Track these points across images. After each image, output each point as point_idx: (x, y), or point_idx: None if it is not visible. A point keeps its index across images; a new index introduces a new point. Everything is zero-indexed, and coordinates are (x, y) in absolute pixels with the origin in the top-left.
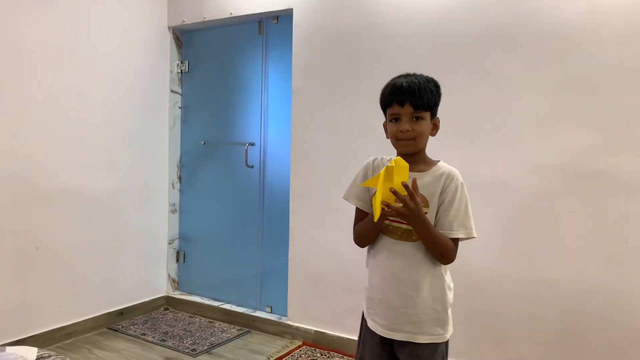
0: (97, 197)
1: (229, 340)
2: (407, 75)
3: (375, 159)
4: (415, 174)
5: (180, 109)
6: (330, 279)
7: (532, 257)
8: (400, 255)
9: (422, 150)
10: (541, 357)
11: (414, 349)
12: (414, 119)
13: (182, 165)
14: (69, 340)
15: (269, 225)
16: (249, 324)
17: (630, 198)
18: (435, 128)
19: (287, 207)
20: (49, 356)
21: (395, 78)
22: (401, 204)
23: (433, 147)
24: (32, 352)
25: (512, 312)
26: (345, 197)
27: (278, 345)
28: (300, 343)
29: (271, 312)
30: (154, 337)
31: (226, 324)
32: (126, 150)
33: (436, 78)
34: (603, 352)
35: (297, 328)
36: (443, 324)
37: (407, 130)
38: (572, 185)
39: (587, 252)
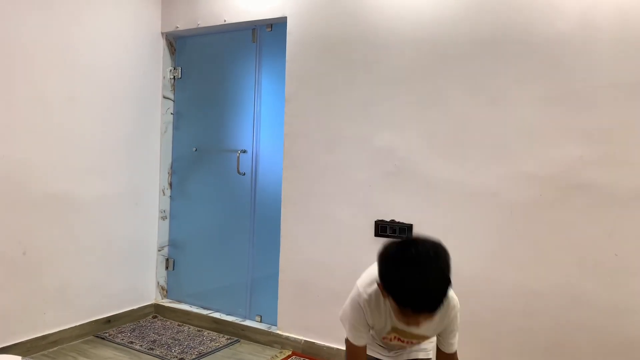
0: (87, 202)
1: (218, 349)
2: (419, 269)
3: (368, 303)
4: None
5: (172, 115)
6: (321, 288)
7: (522, 268)
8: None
9: None
10: None
11: None
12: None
13: (173, 171)
14: (55, 348)
15: (259, 233)
16: (238, 333)
17: (620, 210)
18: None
19: (279, 215)
20: None
21: (405, 270)
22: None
23: (423, 156)
24: None
25: (503, 322)
26: (357, 343)
27: (267, 355)
28: (290, 353)
29: (261, 322)
30: (141, 346)
31: (215, 333)
32: (117, 156)
33: (426, 88)
34: None
35: (287, 338)
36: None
37: (416, 338)
38: (562, 196)
39: (576, 264)
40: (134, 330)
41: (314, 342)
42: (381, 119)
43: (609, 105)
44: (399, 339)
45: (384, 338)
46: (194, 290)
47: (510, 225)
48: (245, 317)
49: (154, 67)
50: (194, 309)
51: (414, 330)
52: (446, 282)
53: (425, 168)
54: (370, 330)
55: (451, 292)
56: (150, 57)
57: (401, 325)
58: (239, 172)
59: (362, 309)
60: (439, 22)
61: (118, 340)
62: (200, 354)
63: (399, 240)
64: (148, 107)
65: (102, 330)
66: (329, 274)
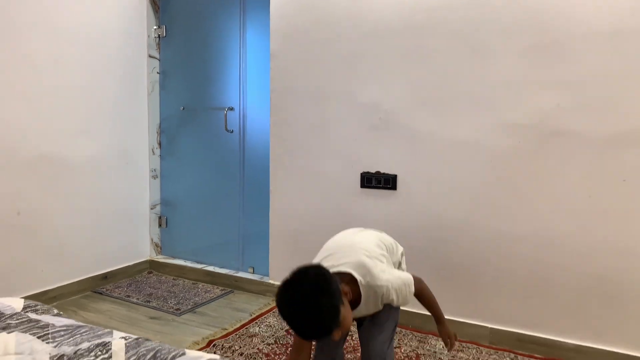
0: (77, 163)
1: (213, 299)
2: (300, 316)
3: None
4: (354, 312)
5: (158, 75)
6: (310, 239)
7: (500, 212)
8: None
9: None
10: (511, 306)
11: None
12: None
13: (161, 131)
14: (55, 303)
15: (249, 188)
16: (232, 284)
17: (594, 155)
18: (346, 295)
19: (267, 171)
20: (35, 305)
21: (289, 313)
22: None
23: (408, 108)
24: (19, 302)
25: (481, 264)
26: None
27: (260, 303)
28: None
29: (253, 273)
30: (138, 299)
31: (210, 285)
32: (105, 116)
33: (411, 41)
34: (568, 298)
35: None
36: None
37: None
38: (540, 144)
39: (553, 208)
40: (130, 285)
41: None
42: (366, 74)
43: (587, 54)
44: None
45: None
46: (187, 247)
47: (491, 173)
48: (238, 269)
49: (138, 26)
50: (188, 264)
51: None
52: (323, 316)
53: (409, 120)
54: None
55: (377, 280)
56: (133, 16)
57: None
58: (227, 129)
59: None
60: None
61: (115, 294)
62: (195, 304)
63: (286, 278)
64: (134, 67)
65: (99, 286)
66: (317, 226)
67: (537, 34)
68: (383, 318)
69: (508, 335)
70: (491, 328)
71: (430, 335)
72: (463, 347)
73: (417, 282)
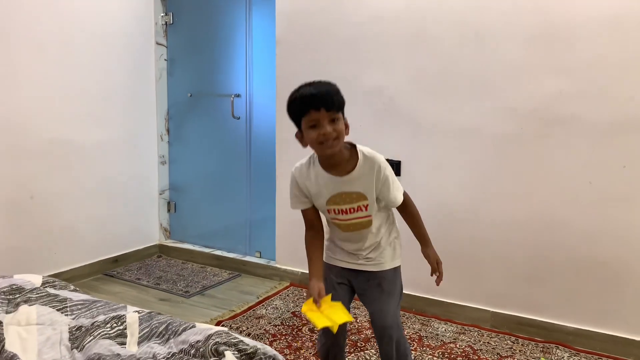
0: (88, 148)
1: (221, 282)
2: (310, 84)
3: (299, 171)
4: (344, 178)
5: (165, 62)
6: None
7: (502, 197)
8: (360, 238)
9: (342, 148)
10: (513, 291)
11: (381, 273)
12: (332, 121)
13: (169, 117)
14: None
15: (256, 174)
16: (239, 268)
17: (594, 142)
18: (347, 128)
19: (274, 156)
20: (54, 281)
21: (298, 89)
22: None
23: (411, 95)
24: (37, 278)
25: (482, 249)
26: (294, 207)
27: (267, 287)
28: (288, 284)
29: (260, 257)
30: (148, 282)
31: (217, 269)
32: (114, 103)
33: (413, 28)
34: (568, 283)
35: (285, 270)
36: (399, 253)
37: (330, 132)
38: (542, 130)
39: (554, 193)
40: (140, 268)
41: None
42: (370, 59)
43: (588, 40)
44: (341, 211)
45: (329, 212)
46: (195, 231)
47: (493, 158)
48: (245, 254)
49: (145, 13)
50: (197, 248)
51: (343, 188)
52: (336, 87)
53: (413, 106)
54: (314, 204)
55: (372, 151)
56: (141, 3)
57: (327, 174)
58: (233, 116)
59: (295, 178)
60: None
61: (126, 277)
62: (204, 287)
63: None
64: (142, 54)
65: (110, 269)
66: None
67: (539, 19)
68: (389, 287)
69: (509, 319)
70: (492, 312)
71: (433, 319)
72: (465, 330)
73: (407, 195)
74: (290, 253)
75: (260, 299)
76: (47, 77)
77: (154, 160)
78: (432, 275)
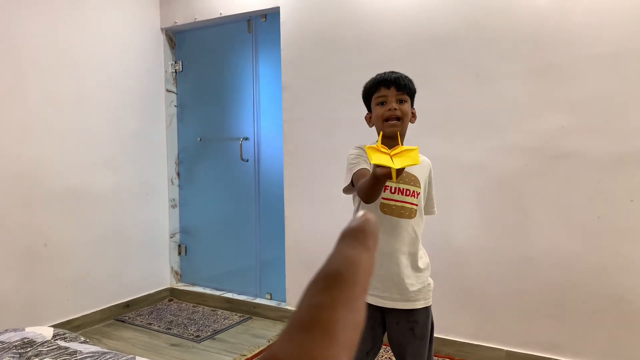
0: (100, 195)
1: (231, 326)
2: (388, 71)
3: (364, 145)
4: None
5: (176, 108)
6: None
7: (511, 234)
8: (399, 232)
9: (404, 136)
10: (528, 328)
11: (413, 315)
12: (399, 102)
13: (180, 161)
14: (79, 332)
15: (265, 215)
16: (250, 311)
17: (600, 176)
18: (414, 116)
19: (282, 198)
20: (64, 334)
21: (377, 74)
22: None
23: (416, 134)
24: (49, 331)
25: (495, 287)
26: (358, 168)
27: (278, 329)
28: None
29: (271, 299)
30: (159, 326)
31: (228, 312)
32: (126, 149)
33: (416, 69)
34: (582, 319)
35: None
36: (431, 289)
37: (395, 109)
38: (546, 165)
39: (563, 228)
40: (151, 312)
41: None
42: None
43: (588, 76)
44: (398, 190)
45: (385, 190)
46: (206, 274)
47: (499, 195)
48: (256, 296)
49: (155, 62)
50: (208, 291)
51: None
52: (411, 80)
53: (418, 144)
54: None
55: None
56: (151, 52)
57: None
58: (242, 158)
59: (359, 147)
60: (425, 6)
61: (137, 322)
62: (214, 331)
63: None
64: (152, 101)
65: (121, 314)
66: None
67: (537, 57)
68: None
69: (524, 358)
70: (507, 350)
71: (447, 359)
72: None
73: None
74: (300, 294)
75: (272, 342)
76: (60, 126)
77: (165, 204)
78: None
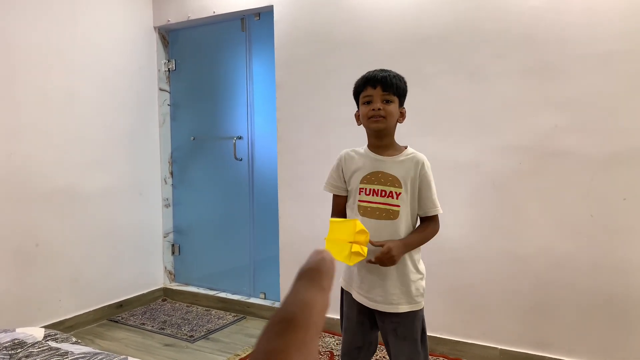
0: (93, 194)
1: (225, 326)
2: (379, 69)
3: (347, 152)
4: (386, 158)
5: (169, 107)
6: None
7: (504, 233)
8: (379, 234)
9: (391, 135)
10: (521, 327)
11: (397, 317)
12: (385, 102)
13: (173, 160)
14: (72, 333)
15: (259, 215)
16: (244, 310)
17: (593, 174)
18: (402, 116)
19: (276, 197)
20: (55, 334)
21: (368, 71)
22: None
23: (409, 133)
24: (39, 331)
25: (488, 285)
26: (326, 189)
27: None
28: None
29: (265, 298)
30: (153, 327)
31: (222, 311)
32: (119, 149)
33: (410, 68)
34: (575, 317)
35: None
36: (421, 293)
37: (379, 109)
38: (540, 164)
39: (555, 227)
40: (145, 313)
41: None
42: None
43: (581, 75)
44: (373, 191)
45: (360, 193)
46: (200, 273)
47: (493, 194)
48: (250, 295)
49: (148, 60)
50: (201, 290)
51: (382, 167)
52: (401, 77)
53: (411, 143)
54: (348, 188)
55: (418, 152)
56: (144, 51)
57: (372, 154)
58: (236, 158)
59: (340, 158)
60: (418, 5)
61: (131, 322)
62: (208, 330)
63: None
64: (145, 100)
65: (114, 314)
66: None
67: (530, 56)
68: (409, 335)
69: (517, 356)
70: (501, 349)
71: (442, 358)
72: None
73: (438, 218)
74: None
75: None
76: (52, 125)
77: (158, 204)
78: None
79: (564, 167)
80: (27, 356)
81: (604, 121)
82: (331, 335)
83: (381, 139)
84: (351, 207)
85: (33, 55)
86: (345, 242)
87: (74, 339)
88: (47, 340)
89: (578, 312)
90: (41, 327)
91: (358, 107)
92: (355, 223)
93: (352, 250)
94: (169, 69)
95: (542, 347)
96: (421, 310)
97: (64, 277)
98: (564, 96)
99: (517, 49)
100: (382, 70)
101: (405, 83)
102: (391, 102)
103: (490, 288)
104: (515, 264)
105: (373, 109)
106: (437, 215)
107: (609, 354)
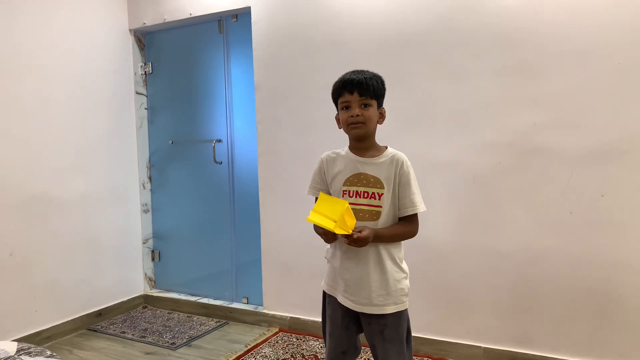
0: (69, 201)
1: (208, 332)
2: (355, 71)
3: (328, 155)
4: (367, 160)
5: (146, 110)
6: (302, 266)
7: (485, 230)
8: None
9: (372, 136)
10: (504, 325)
11: (383, 318)
12: (363, 106)
13: (151, 165)
14: (49, 343)
15: (240, 218)
16: (226, 316)
17: (572, 171)
18: (381, 117)
19: (257, 200)
20: (29, 348)
21: (344, 75)
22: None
23: (390, 132)
24: (12, 346)
25: (470, 283)
26: (309, 193)
27: (255, 334)
28: (277, 330)
29: (247, 303)
30: (133, 335)
31: (204, 317)
32: (95, 154)
33: (389, 67)
34: (557, 313)
35: (273, 316)
36: (405, 293)
37: (357, 115)
38: (520, 161)
39: (536, 224)
40: (125, 321)
41: (299, 318)
42: None
43: (558, 72)
44: (356, 193)
45: (343, 195)
46: (181, 279)
47: (474, 191)
48: (232, 300)
49: (124, 63)
50: (183, 297)
51: (364, 169)
52: (379, 78)
53: (391, 143)
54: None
55: (403, 154)
56: (120, 54)
57: (353, 156)
58: (215, 161)
59: (321, 161)
60: (397, 5)
61: (110, 331)
62: (190, 337)
63: None
64: (122, 104)
65: (94, 323)
66: (309, 252)
67: (508, 55)
68: (394, 335)
69: (501, 354)
70: (484, 347)
71: (426, 358)
72: None
73: (417, 219)
74: (278, 298)
75: (249, 347)
76: (25, 131)
77: (137, 209)
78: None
79: (543, 164)
80: None
81: (582, 118)
82: (315, 339)
83: (362, 142)
84: None
85: (4, 59)
86: (331, 220)
87: (48, 352)
88: (20, 354)
89: (560, 307)
90: (15, 339)
91: (337, 111)
92: (344, 204)
93: (335, 232)
94: (145, 72)
95: (525, 344)
96: (406, 311)
97: (40, 287)
98: (542, 94)
99: (496, 47)
100: (358, 73)
101: (382, 83)
102: (369, 105)
103: (472, 285)
104: (496, 261)
105: (352, 115)
106: (415, 215)
107: (592, 349)
